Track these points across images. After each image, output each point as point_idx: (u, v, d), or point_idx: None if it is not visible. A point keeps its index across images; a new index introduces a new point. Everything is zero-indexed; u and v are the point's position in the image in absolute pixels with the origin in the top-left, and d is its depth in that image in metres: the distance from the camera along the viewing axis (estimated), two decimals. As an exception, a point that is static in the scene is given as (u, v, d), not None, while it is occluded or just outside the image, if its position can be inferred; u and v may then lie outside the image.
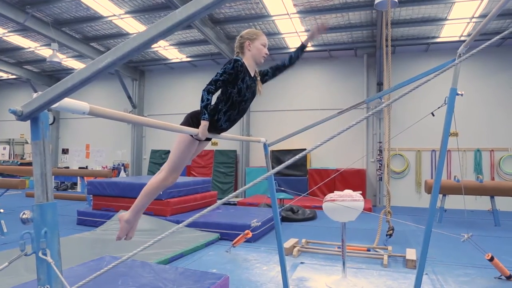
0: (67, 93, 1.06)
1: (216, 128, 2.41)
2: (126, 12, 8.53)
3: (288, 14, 8.34)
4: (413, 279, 2.53)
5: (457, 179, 7.42)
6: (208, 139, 2.58)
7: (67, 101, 1.12)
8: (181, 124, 2.36)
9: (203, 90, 2.27)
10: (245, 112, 2.55)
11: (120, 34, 9.88)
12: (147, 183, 2.51)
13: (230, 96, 2.34)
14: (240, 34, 2.48)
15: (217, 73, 2.30)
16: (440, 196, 7.26)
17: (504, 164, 9.43)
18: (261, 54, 2.44)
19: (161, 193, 6.27)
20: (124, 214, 2.51)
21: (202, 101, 2.26)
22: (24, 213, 1.13)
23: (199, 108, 2.31)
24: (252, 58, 2.43)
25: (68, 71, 12.97)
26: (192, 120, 2.34)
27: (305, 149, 1.13)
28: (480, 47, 1.27)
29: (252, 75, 2.45)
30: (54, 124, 14.15)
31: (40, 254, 1.08)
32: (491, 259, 3.89)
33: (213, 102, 2.36)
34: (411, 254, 4.49)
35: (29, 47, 10.89)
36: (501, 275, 3.93)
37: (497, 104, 9.58)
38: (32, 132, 1.12)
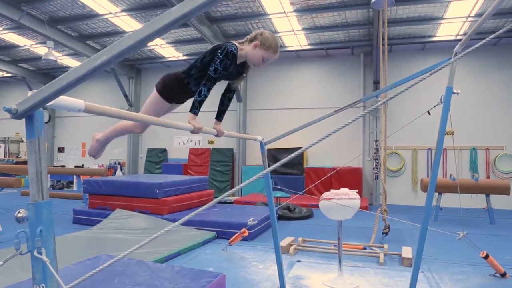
0: (62, 91, 1.05)
1: (187, 91, 2.44)
2: (122, 10, 8.49)
3: (285, 12, 8.33)
4: (409, 277, 2.54)
5: (452, 178, 7.45)
6: (181, 103, 2.62)
7: (62, 99, 1.11)
8: (156, 85, 2.47)
9: (204, 85, 2.25)
10: (228, 100, 2.61)
11: (116, 32, 9.83)
12: (120, 122, 2.64)
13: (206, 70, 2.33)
14: (263, 32, 2.39)
15: (215, 67, 2.24)
16: (436, 194, 7.29)
17: (500, 162, 9.49)
18: (254, 61, 2.39)
19: (157, 191, 6.31)
20: (98, 134, 2.72)
21: (200, 95, 2.25)
22: (19, 212, 1.12)
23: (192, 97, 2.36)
24: (247, 55, 2.40)
25: (63, 69, 12.90)
26: (165, 88, 2.41)
27: (301, 148, 1.13)
28: (476, 46, 1.27)
29: (238, 63, 2.42)
30: (49, 123, 14.08)
31: (35, 253, 1.08)
32: (486, 257, 3.92)
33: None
34: (407, 252, 4.52)
35: (25, 45, 10.82)
36: (496, 273, 3.95)
37: (493, 103, 9.64)
38: (27, 131, 1.11)
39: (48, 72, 13.64)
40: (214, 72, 2.25)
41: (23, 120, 1.11)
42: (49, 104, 1.08)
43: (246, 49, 2.38)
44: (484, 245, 4.68)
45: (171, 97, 2.44)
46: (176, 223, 1.25)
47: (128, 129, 2.66)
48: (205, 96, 2.26)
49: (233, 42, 2.39)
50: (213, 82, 2.27)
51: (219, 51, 2.29)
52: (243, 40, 2.44)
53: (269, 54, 2.36)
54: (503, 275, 3.90)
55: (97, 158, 2.73)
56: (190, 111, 2.25)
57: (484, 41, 1.33)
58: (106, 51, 1.02)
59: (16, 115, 1.07)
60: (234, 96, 2.82)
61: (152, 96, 2.50)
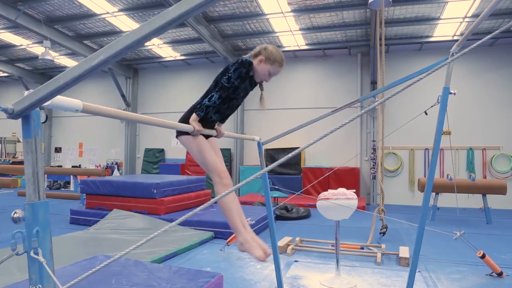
0: (59, 91, 1.05)
1: (207, 121, 2.34)
2: (120, 10, 8.47)
3: (282, 12, 8.33)
4: (406, 276, 2.54)
5: (449, 178, 7.48)
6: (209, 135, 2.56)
7: (59, 99, 1.11)
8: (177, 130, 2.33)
9: (216, 92, 2.23)
10: (236, 108, 2.50)
11: (114, 32, 9.81)
12: (220, 204, 2.28)
13: (227, 92, 2.30)
14: (267, 46, 2.33)
15: (230, 77, 2.22)
16: (433, 194, 7.31)
17: (496, 162, 9.52)
18: (262, 77, 2.36)
19: (154, 191, 6.29)
20: (238, 242, 2.27)
21: (209, 101, 2.23)
22: (15, 212, 1.12)
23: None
24: (254, 70, 2.36)
25: (60, 69, 12.86)
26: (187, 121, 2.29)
27: (299, 148, 1.13)
28: (472, 46, 1.27)
29: (250, 75, 2.39)
30: (46, 123, 14.03)
31: (31, 254, 1.08)
32: (483, 256, 3.93)
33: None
34: (404, 252, 4.52)
35: (21, 45, 10.77)
36: (492, 272, 3.97)
37: (490, 103, 9.68)
38: (23, 131, 1.11)
39: (45, 72, 13.58)
40: (228, 81, 2.23)
41: (20, 120, 1.11)
42: (46, 104, 1.08)
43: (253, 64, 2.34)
44: (481, 245, 4.70)
45: None
46: (174, 223, 1.25)
47: (222, 192, 2.25)
48: (214, 103, 2.23)
49: None
50: (225, 90, 2.24)
51: (232, 65, 2.26)
52: (247, 55, 2.40)
53: (275, 68, 2.32)
54: (500, 274, 3.92)
55: (268, 255, 2.11)
56: (195, 111, 2.24)
57: (480, 41, 1.33)
58: (103, 51, 1.02)
59: (12, 115, 1.07)
60: None
61: (184, 144, 2.38)
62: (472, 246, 4.13)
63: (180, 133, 2.36)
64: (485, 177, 9.52)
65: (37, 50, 10.91)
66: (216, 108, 2.32)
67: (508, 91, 9.56)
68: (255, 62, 2.33)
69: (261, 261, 2.13)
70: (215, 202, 1.24)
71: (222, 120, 2.54)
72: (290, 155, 1.17)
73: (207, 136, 2.47)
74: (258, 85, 2.50)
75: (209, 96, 2.25)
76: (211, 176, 2.31)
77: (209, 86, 2.36)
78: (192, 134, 2.20)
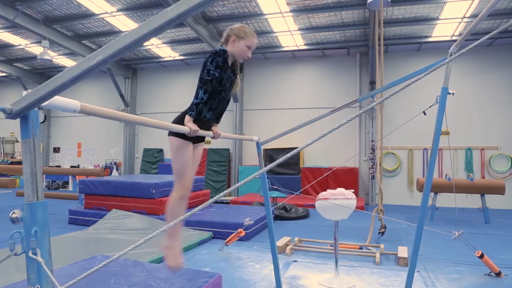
0: (57, 91, 1.05)
1: (202, 120, 2.35)
2: (118, 10, 8.46)
3: (281, 12, 8.34)
4: (405, 276, 2.55)
5: (448, 178, 7.49)
6: (201, 139, 2.56)
7: (57, 99, 1.11)
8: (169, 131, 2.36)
9: (200, 88, 2.26)
10: (226, 102, 2.52)
11: (112, 32, 9.79)
12: (167, 207, 2.48)
13: (211, 85, 2.32)
14: (231, 27, 2.42)
15: (208, 69, 2.26)
16: (432, 194, 7.32)
17: (495, 162, 9.54)
18: (242, 55, 2.39)
19: (153, 191, 6.29)
20: (162, 241, 2.44)
21: (197, 98, 2.26)
22: (14, 212, 1.12)
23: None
24: (233, 53, 2.40)
25: (59, 69, 12.83)
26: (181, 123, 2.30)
27: (298, 148, 1.13)
28: (470, 46, 1.28)
29: (230, 64, 2.43)
30: (45, 123, 14.01)
31: (30, 254, 1.07)
32: (481, 256, 3.94)
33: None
34: (403, 251, 4.53)
35: (20, 45, 10.75)
36: (490, 272, 3.98)
37: (488, 103, 9.69)
38: (22, 131, 1.10)
39: (43, 71, 13.56)
40: (207, 74, 2.26)
41: (18, 120, 1.10)
42: (44, 104, 1.08)
43: (228, 48, 2.39)
44: (479, 245, 4.71)
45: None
46: (172, 223, 1.24)
47: (178, 203, 2.45)
48: (202, 99, 2.26)
49: None
50: (209, 84, 2.26)
51: (208, 58, 2.31)
52: (220, 45, 2.46)
53: (249, 40, 2.38)
54: (498, 274, 3.93)
55: (182, 266, 2.45)
56: (187, 113, 2.25)
57: (478, 41, 1.33)
58: (102, 51, 1.02)
59: (10, 115, 1.07)
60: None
61: (170, 145, 2.41)
62: (470, 246, 4.14)
63: (171, 133, 2.38)
64: (483, 177, 9.54)
65: (36, 50, 10.88)
66: (207, 105, 2.34)
67: (506, 91, 9.58)
68: (229, 46, 2.39)
69: (170, 269, 2.45)
70: (213, 203, 1.24)
71: (217, 119, 2.56)
72: (288, 155, 1.17)
73: (196, 141, 2.48)
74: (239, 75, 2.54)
75: (196, 94, 2.28)
76: (175, 182, 2.45)
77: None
78: (189, 135, 2.20)
